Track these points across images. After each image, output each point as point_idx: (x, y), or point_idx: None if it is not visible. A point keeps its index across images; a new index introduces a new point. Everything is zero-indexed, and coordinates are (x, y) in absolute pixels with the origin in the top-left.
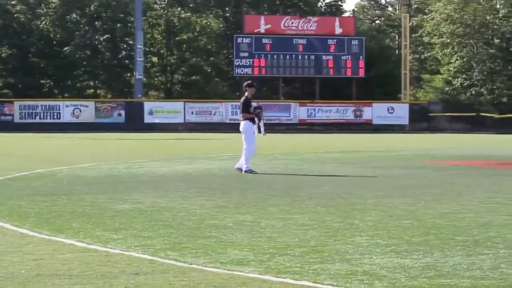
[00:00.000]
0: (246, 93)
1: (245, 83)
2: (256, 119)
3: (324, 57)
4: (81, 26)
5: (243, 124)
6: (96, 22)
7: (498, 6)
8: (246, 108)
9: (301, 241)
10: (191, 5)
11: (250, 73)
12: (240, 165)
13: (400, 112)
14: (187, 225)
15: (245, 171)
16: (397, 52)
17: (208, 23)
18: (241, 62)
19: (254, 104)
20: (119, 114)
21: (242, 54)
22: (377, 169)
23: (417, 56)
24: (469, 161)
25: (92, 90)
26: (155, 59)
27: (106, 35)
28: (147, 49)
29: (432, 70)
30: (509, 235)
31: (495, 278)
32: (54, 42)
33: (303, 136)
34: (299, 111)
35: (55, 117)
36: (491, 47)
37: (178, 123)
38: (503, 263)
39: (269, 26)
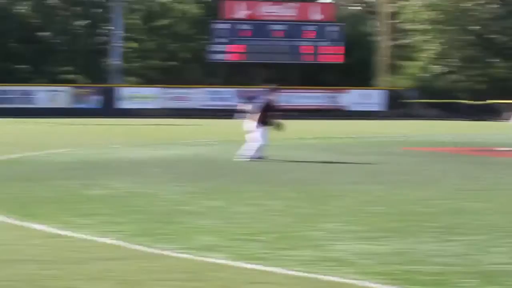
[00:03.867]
0: (271, 96)
1: (270, 86)
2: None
3: (302, 43)
4: (60, 11)
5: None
6: (75, 8)
7: None
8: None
9: (273, 227)
10: None
11: (227, 59)
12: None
13: (377, 98)
14: (160, 211)
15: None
16: (375, 38)
17: (188, 9)
18: (218, 48)
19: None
20: (96, 100)
21: (219, 40)
22: (352, 155)
23: (395, 42)
24: (444, 148)
25: (69, 76)
26: (133, 45)
27: (86, 21)
28: (126, 34)
29: (410, 57)
30: (481, 222)
31: (466, 264)
32: (33, 27)
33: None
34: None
35: (31, 102)
36: (469, 34)
37: (154, 109)
38: (475, 249)
39: (248, 11)
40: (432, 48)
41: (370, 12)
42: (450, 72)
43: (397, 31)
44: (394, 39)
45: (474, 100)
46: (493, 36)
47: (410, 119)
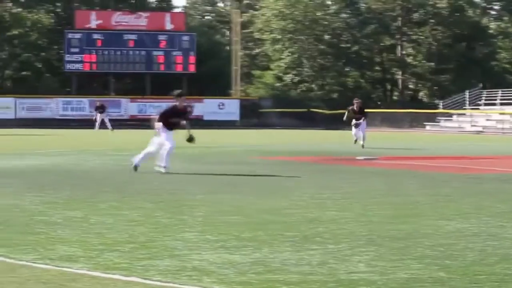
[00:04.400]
0: (177, 102)
1: (175, 92)
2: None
3: (154, 53)
4: None
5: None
6: None
7: (328, 2)
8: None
9: (130, 237)
10: (22, 0)
11: (81, 68)
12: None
13: (231, 108)
14: (17, 221)
15: (164, 167)
16: (228, 48)
17: (39, 19)
18: (71, 58)
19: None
20: None
21: (72, 50)
22: (207, 164)
23: (248, 52)
24: (299, 157)
25: None
26: None
27: None
28: None
29: (263, 66)
30: (337, 231)
31: (323, 273)
32: None
33: (133, 131)
34: (130, 107)
35: None
36: (321, 43)
37: (9, 119)
38: (331, 258)
39: (100, 21)
40: (285, 57)
41: (221, 21)
42: (303, 81)
43: (250, 41)
44: (247, 49)
45: (329, 109)
46: (345, 46)
47: (265, 128)
